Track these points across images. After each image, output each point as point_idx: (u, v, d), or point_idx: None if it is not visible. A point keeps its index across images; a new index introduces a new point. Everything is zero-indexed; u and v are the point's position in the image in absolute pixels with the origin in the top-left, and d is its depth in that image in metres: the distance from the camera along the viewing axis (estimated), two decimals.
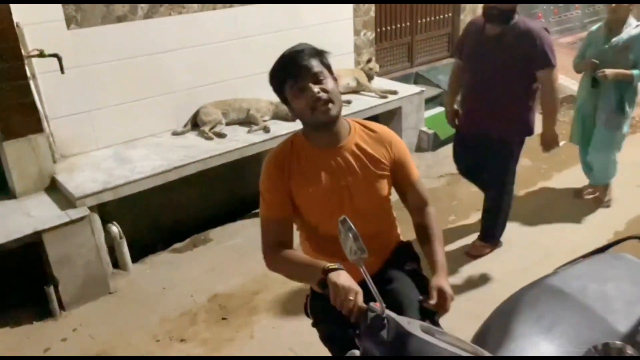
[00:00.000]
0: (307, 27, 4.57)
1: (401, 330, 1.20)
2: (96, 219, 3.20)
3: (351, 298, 1.30)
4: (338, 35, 4.90)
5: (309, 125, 1.63)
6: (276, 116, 4.15)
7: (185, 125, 4.04)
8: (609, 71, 3.42)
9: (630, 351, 1.13)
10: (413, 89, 4.96)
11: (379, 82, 4.94)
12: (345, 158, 1.64)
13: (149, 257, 3.62)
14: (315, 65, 1.55)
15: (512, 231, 3.54)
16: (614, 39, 3.48)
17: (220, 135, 3.85)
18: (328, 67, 1.60)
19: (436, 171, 4.65)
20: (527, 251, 3.40)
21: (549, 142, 3.08)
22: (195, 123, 4.02)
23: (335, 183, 1.64)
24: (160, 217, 3.95)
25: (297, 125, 1.73)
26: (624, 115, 3.62)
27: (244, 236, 3.78)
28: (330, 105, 1.54)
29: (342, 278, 1.36)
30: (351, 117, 1.85)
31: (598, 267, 1.81)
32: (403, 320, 1.23)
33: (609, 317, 1.62)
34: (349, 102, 4.43)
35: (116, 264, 3.44)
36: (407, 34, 5.70)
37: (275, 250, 1.64)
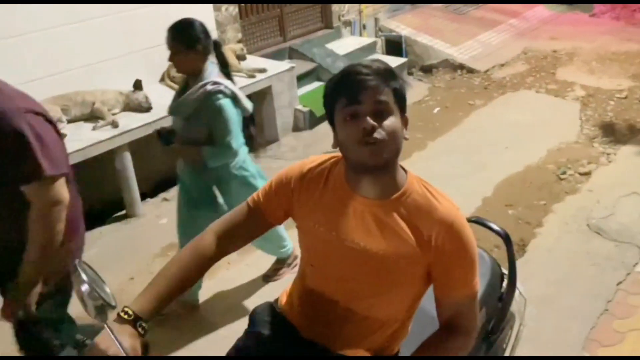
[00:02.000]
0: (156, 5, 4.13)
1: None
2: None
3: None
4: (195, 12, 4.41)
5: (348, 162, 1.25)
6: (127, 107, 3.73)
7: None
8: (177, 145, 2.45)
9: None
10: (282, 65, 4.70)
11: (249, 61, 4.63)
12: (377, 218, 1.25)
13: None
14: (384, 92, 1.17)
15: None
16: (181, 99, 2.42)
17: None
18: (400, 102, 1.22)
19: (314, 150, 4.47)
20: None
21: (16, 296, 1.71)
22: None
23: (339, 238, 1.27)
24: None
25: None
26: (211, 207, 2.55)
27: (100, 246, 3.39)
28: (381, 147, 1.16)
29: (107, 344, 1.10)
30: None
31: None
32: None
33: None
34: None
35: None
36: (276, 7, 5.39)
37: (201, 236, 1.36)
